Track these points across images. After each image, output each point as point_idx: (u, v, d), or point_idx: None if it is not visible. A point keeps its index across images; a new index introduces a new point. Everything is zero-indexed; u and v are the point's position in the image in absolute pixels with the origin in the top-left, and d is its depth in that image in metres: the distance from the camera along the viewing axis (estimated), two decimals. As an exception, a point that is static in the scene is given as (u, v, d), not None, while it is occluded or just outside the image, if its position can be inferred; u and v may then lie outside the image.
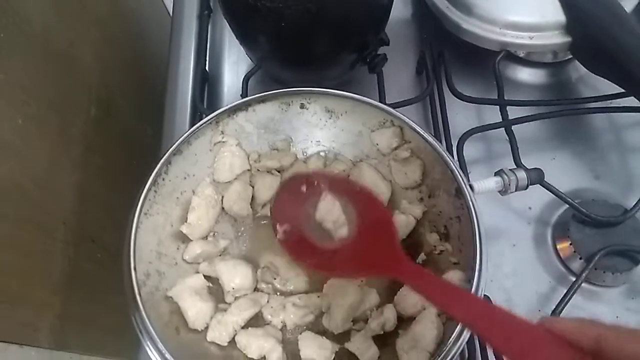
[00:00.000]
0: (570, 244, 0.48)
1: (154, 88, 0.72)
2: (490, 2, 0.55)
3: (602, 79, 0.52)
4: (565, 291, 0.45)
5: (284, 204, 0.45)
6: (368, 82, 0.57)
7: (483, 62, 0.57)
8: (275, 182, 0.49)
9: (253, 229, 0.49)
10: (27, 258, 0.50)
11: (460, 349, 0.36)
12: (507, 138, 0.51)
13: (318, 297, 0.44)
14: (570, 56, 0.58)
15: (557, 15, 0.53)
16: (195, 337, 0.42)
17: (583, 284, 0.46)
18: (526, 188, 0.45)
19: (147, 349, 0.37)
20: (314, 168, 0.51)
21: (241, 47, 0.58)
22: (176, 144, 0.45)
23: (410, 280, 0.36)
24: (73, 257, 0.55)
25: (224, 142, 0.48)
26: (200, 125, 0.46)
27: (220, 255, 0.47)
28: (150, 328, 0.37)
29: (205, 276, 0.45)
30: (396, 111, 0.46)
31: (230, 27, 0.55)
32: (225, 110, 0.47)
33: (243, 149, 0.49)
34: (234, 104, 0.48)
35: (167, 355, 0.37)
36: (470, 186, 0.43)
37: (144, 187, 0.43)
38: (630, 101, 0.51)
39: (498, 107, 0.54)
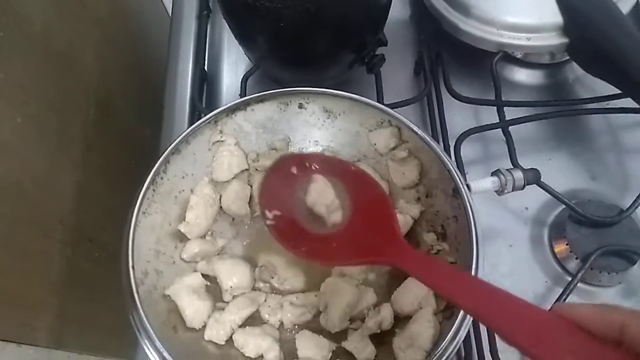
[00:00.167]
0: (567, 244, 0.49)
1: (153, 88, 0.72)
2: (488, 4, 0.55)
3: (599, 80, 0.53)
4: (561, 291, 0.45)
5: (273, 187, 0.42)
6: (366, 83, 0.58)
7: (481, 63, 0.58)
8: (273, 182, 0.49)
9: (251, 228, 0.49)
10: (25, 258, 0.50)
11: (457, 347, 0.37)
12: (504, 138, 0.51)
13: (315, 296, 0.44)
14: (568, 57, 0.58)
15: (555, 16, 0.53)
16: (192, 336, 0.42)
17: (579, 284, 0.47)
18: (523, 188, 0.46)
19: (145, 347, 0.37)
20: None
21: (240, 47, 0.58)
22: (175, 143, 0.45)
23: (410, 267, 0.34)
24: (71, 257, 0.56)
25: (222, 141, 0.49)
26: (199, 125, 0.46)
27: (218, 254, 0.47)
28: (148, 327, 0.37)
29: (203, 275, 0.45)
30: (394, 111, 0.47)
31: (229, 27, 0.55)
32: (223, 110, 0.48)
33: (241, 149, 0.50)
34: (232, 103, 0.48)
35: (165, 354, 0.37)
36: (468, 186, 0.43)
37: (143, 186, 0.43)
38: (627, 102, 0.52)
39: (495, 107, 0.54)
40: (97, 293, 0.60)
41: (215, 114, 0.47)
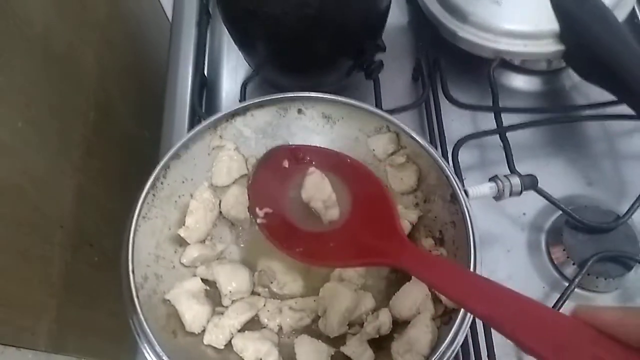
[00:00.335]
0: (564, 250, 0.49)
1: (153, 92, 0.72)
2: (485, 11, 0.56)
3: (595, 87, 0.53)
4: (558, 297, 0.46)
5: (263, 182, 0.40)
6: (365, 88, 0.58)
7: (478, 69, 0.58)
8: (273, 187, 0.50)
9: (250, 233, 0.49)
10: (25, 261, 0.50)
11: (455, 352, 0.37)
12: (502, 144, 0.52)
13: (314, 300, 0.45)
14: (564, 64, 0.59)
15: (551, 24, 0.54)
16: (192, 341, 0.42)
17: (576, 290, 0.47)
18: (520, 194, 0.46)
19: (145, 352, 0.38)
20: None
21: (240, 53, 0.59)
22: (175, 148, 0.45)
23: (414, 267, 0.31)
24: (71, 261, 0.56)
25: (222, 146, 0.49)
26: (199, 130, 0.47)
27: (217, 259, 0.47)
28: (148, 331, 0.38)
29: (202, 279, 0.45)
30: (392, 117, 0.47)
31: (229, 32, 0.55)
32: (223, 115, 0.48)
33: (241, 154, 0.50)
34: (232, 109, 0.48)
35: (165, 358, 0.37)
36: (465, 192, 0.44)
37: (143, 190, 0.43)
38: (623, 109, 0.52)
39: (493, 114, 0.54)
40: (96, 297, 0.60)
41: (215, 119, 0.48)
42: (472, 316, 0.38)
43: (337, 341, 0.43)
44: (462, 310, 0.37)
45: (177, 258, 0.46)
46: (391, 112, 0.52)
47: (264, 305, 0.45)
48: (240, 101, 0.56)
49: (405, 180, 0.48)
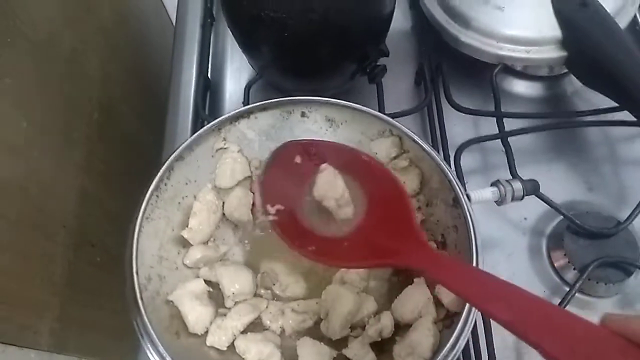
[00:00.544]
0: (565, 255, 0.49)
1: (156, 94, 0.73)
2: (488, 16, 0.56)
3: (596, 93, 0.54)
4: (559, 301, 0.46)
5: (275, 178, 0.39)
6: (368, 92, 0.58)
7: (480, 74, 0.59)
8: (276, 189, 0.50)
9: (253, 234, 0.50)
10: (28, 260, 0.50)
11: (456, 356, 0.37)
12: (504, 149, 0.52)
13: (316, 303, 0.45)
14: (566, 70, 0.59)
15: (554, 30, 0.54)
16: (195, 342, 0.42)
17: (577, 295, 0.47)
18: (522, 199, 0.46)
19: (148, 352, 0.38)
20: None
21: (243, 56, 0.59)
22: (179, 149, 0.46)
23: (432, 270, 0.30)
24: (73, 260, 0.56)
25: (225, 148, 0.49)
26: (203, 132, 0.47)
27: (220, 261, 0.47)
28: (152, 332, 0.38)
29: (205, 281, 0.45)
30: (395, 121, 0.47)
31: (233, 35, 0.56)
32: (227, 118, 0.48)
33: (244, 156, 0.50)
34: (236, 111, 0.48)
35: (168, 359, 0.37)
36: (468, 196, 0.44)
37: (147, 192, 0.43)
38: (624, 115, 0.52)
39: (495, 118, 0.55)
40: (98, 296, 0.60)
41: (219, 121, 0.48)
42: (473, 320, 0.38)
43: (339, 344, 0.43)
44: (464, 314, 0.37)
45: (180, 259, 0.46)
46: (394, 116, 0.53)
47: (267, 307, 0.45)
48: (243, 104, 0.56)
49: (407, 184, 0.48)
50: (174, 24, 0.68)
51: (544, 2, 0.55)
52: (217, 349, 0.42)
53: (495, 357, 0.44)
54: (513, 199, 0.46)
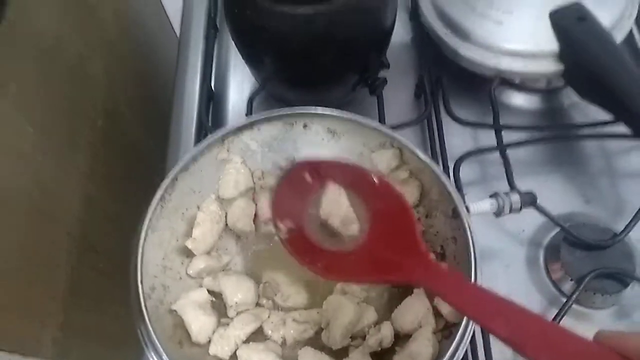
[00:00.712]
0: (562, 266, 0.50)
1: (160, 103, 0.74)
2: (486, 30, 0.57)
3: (593, 106, 0.54)
4: (556, 312, 0.47)
5: (285, 196, 0.40)
6: (368, 104, 0.59)
7: (479, 87, 0.59)
8: (278, 200, 0.51)
9: (255, 245, 0.50)
10: (32, 267, 0.51)
11: (455, 366, 0.38)
12: (502, 161, 0.53)
13: (317, 313, 0.45)
14: (563, 83, 0.60)
15: (551, 44, 0.55)
16: (197, 351, 0.43)
17: (574, 306, 0.48)
18: (519, 211, 0.47)
19: (152, 361, 0.38)
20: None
21: (246, 67, 0.60)
22: (184, 160, 0.46)
23: (437, 288, 0.32)
24: (76, 266, 0.57)
25: (229, 159, 0.50)
26: (207, 143, 0.48)
27: (223, 270, 0.48)
28: (156, 341, 0.38)
29: (208, 290, 0.46)
30: (395, 133, 0.48)
31: (237, 47, 0.57)
32: (231, 129, 0.49)
33: (247, 167, 0.51)
34: (239, 123, 0.49)
35: (171, 368, 0.38)
36: (467, 207, 0.45)
37: (151, 202, 0.44)
38: (621, 128, 0.53)
39: (493, 131, 0.55)
40: (101, 303, 0.61)
41: (223, 132, 0.49)
42: (472, 331, 0.39)
43: (339, 353, 0.44)
44: (462, 324, 0.38)
45: (183, 269, 0.47)
46: (394, 127, 0.53)
47: (268, 316, 0.46)
48: (246, 115, 0.57)
49: (407, 196, 0.49)
50: (178, 35, 0.69)
51: (542, 16, 0.56)
52: (220, 358, 0.43)
53: (493, 367, 0.44)
54: (511, 211, 0.47)
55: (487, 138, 0.56)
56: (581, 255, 0.50)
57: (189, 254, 0.47)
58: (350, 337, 0.44)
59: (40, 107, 0.52)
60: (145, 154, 0.77)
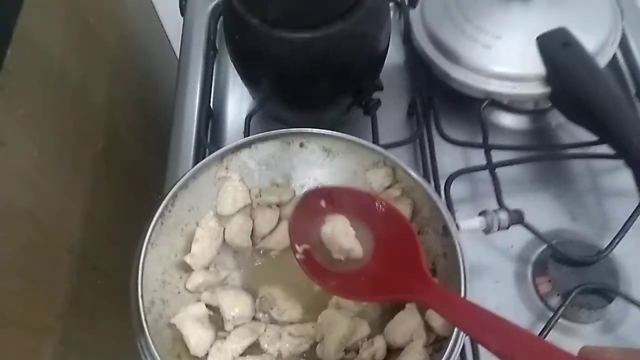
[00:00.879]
0: (549, 281, 0.52)
1: (159, 122, 0.75)
2: (476, 54, 0.59)
3: (580, 127, 0.56)
4: (543, 326, 0.48)
5: (302, 221, 0.44)
6: (363, 124, 0.61)
7: (469, 108, 0.61)
8: (275, 216, 0.52)
9: (252, 260, 0.52)
10: (33, 284, 0.52)
11: (445, 379, 0.39)
12: (491, 179, 0.55)
13: (312, 327, 0.46)
14: (550, 105, 0.62)
15: (538, 68, 0.57)
16: (195, 364, 0.44)
17: (560, 320, 0.49)
18: (507, 228, 0.49)
19: (152, 374, 0.39)
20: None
21: (244, 86, 0.62)
22: (184, 178, 0.48)
23: (438, 306, 0.35)
24: (76, 284, 0.57)
25: (227, 177, 0.51)
26: (206, 161, 0.49)
27: (221, 285, 0.49)
28: (155, 353, 0.39)
29: (206, 305, 0.47)
30: (388, 152, 0.50)
31: (236, 69, 0.58)
32: (229, 148, 0.50)
33: (245, 184, 0.52)
34: (238, 142, 0.51)
35: (171, 380, 0.39)
36: (457, 225, 0.46)
37: (152, 219, 0.45)
38: (606, 149, 0.55)
39: (483, 150, 0.57)
40: (99, 319, 0.62)
41: (222, 151, 0.50)
42: (462, 344, 0.40)
43: (334, 366, 0.45)
44: (452, 338, 0.40)
45: (182, 284, 0.48)
46: (387, 147, 0.55)
47: (265, 330, 0.47)
48: (244, 134, 0.59)
49: (400, 213, 0.51)
50: (177, 56, 0.71)
51: (529, 41, 0.58)
52: (217, 371, 0.44)
53: (482, 381, 0.46)
54: (499, 229, 0.49)
55: (477, 157, 0.58)
56: (567, 271, 0.51)
57: (187, 269, 0.48)
58: (345, 351, 0.45)
59: (45, 131, 0.54)
60: (145, 172, 0.78)
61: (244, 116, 0.60)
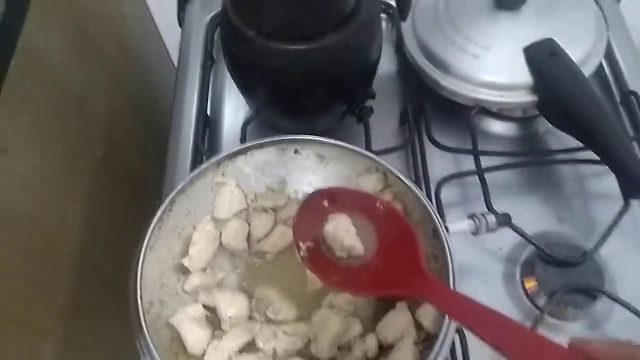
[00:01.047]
0: (536, 282, 0.53)
1: (157, 130, 0.77)
2: (465, 63, 0.61)
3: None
4: (531, 325, 0.50)
5: (305, 220, 0.46)
6: (356, 131, 0.62)
7: (459, 115, 0.63)
8: (270, 220, 0.54)
9: (248, 262, 0.53)
10: (34, 286, 0.53)
11: (435, 375, 0.40)
12: (480, 184, 0.56)
13: (307, 326, 0.48)
14: (538, 112, 0.64)
15: (525, 77, 0.59)
16: (193, 362, 0.45)
17: (548, 319, 0.51)
18: (495, 230, 0.50)
19: (151, 372, 0.41)
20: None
21: (240, 95, 0.63)
22: (182, 184, 0.49)
23: (436, 301, 0.37)
24: (76, 286, 0.59)
25: (224, 182, 0.53)
26: (204, 167, 0.51)
27: (217, 287, 0.50)
28: (154, 352, 0.41)
29: (203, 305, 0.48)
30: (380, 158, 0.51)
31: (233, 79, 0.60)
32: (226, 154, 0.52)
33: (241, 189, 0.54)
34: (234, 149, 0.52)
35: (169, 378, 0.40)
36: (446, 228, 0.48)
37: (151, 223, 0.46)
38: (591, 154, 0.56)
39: (472, 156, 0.59)
40: (99, 321, 0.63)
41: (219, 158, 0.52)
42: (451, 342, 0.41)
43: (327, 364, 0.46)
44: (441, 336, 0.41)
45: (180, 285, 0.49)
46: (379, 153, 0.57)
47: (260, 329, 0.48)
48: (240, 141, 0.60)
49: (391, 217, 0.52)
50: (175, 66, 0.73)
51: (517, 51, 0.60)
52: (214, 369, 0.45)
53: (472, 377, 0.47)
54: (487, 231, 0.50)
55: (467, 162, 0.60)
56: (554, 272, 0.53)
57: (185, 271, 0.50)
58: (338, 348, 0.46)
59: (48, 138, 0.55)
60: (144, 177, 0.80)
61: (241, 124, 0.62)
